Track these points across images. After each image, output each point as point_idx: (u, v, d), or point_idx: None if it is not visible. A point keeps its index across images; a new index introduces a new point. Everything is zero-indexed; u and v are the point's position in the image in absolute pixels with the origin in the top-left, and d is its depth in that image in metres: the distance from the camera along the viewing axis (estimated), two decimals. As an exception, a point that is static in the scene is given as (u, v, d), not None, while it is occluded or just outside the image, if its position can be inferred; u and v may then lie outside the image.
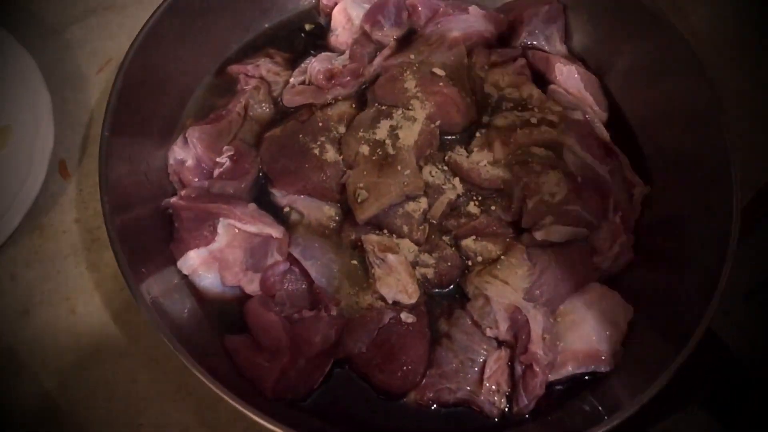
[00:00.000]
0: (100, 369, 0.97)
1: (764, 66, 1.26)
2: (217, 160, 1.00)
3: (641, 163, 1.10)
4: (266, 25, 1.16)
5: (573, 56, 1.17)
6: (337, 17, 1.14)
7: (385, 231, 0.96)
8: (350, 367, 0.92)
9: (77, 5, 1.23)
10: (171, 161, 1.02)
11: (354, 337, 0.91)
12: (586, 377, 0.94)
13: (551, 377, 0.92)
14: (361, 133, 0.98)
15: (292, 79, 1.08)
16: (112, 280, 1.02)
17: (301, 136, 1.00)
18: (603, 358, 0.93)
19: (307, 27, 1.17)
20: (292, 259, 0.95)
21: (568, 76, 1.11)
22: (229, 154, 1.00)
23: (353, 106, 1.06)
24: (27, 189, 1.01)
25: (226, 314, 0.95)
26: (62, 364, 0.97)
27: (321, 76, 1.06)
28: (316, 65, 1.07)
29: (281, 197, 1.00)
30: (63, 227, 1.06)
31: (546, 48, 1.15)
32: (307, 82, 1.08)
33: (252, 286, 0.95)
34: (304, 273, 0.95)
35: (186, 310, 0.95)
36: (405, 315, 0.92)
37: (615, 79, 1.15)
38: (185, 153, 1.01)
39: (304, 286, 0.95)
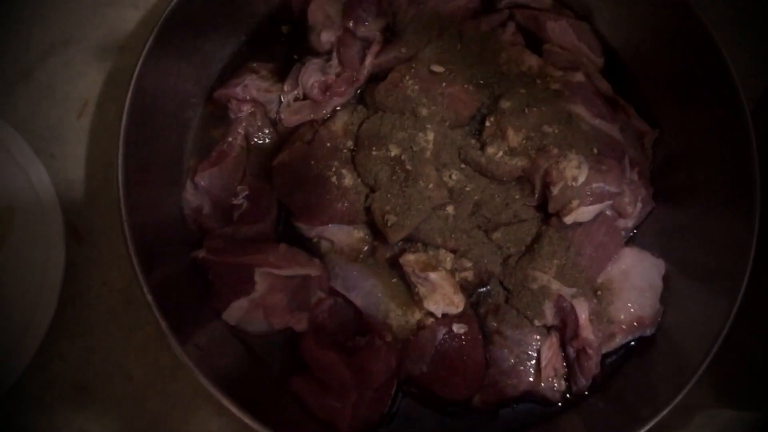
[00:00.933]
0: (172, 428, 1.00)
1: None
2: (234, 202, 0.99)
3: (644, 104, 1.10)
4: (243, 37, 1.10)
5: (559, 3, 1.13)
6: (315, 15, 1.08)
7: (419, 244, 0.97)
8: (414, 385, 0.96)
9: (36, 45, 1.15)
10: (187, 210, 1.00)
11: (413, 359, 0.94)
12: (632, 343, 0.99)
13: (602, 351, 0.97)
14: (374, 152, 0.96)
15: (285, 97, 1.04)
16: (159, 337, 1.02)
17: (312, 162, 0.98)
18: (647, 322, 0.97)
19: (285, 30, 1.11)
20: (334, 292, 0.97)
21: (561, 32, 1.09)
22: (245, 194, 0.99)
23: (354, 113, 1.03)
24: (52, 263, 0.99)
25: (281, 354, 0.97)
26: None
27: (316, 90, 1.02)
28: (308, 79, 1.03)
29: (308, 230, 1.00)
30: (93, 293, 1.04)
31: (532, 4, 1.11)
32: (301, 96, 1.04)
33: (301, 325, 0.96)
34: (350, 301, 0.96)
35: (238, 356, 0.97)
36: (456, 327, 0.94)
37: (603, 20, 1.14)
38: (199, 199, 1.00)
39: (352, 315, 0.97)
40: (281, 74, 1.08)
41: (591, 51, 1.10)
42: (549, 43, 1.09)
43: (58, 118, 1.12)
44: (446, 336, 0.94)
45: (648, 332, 0.98)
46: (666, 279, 1.01)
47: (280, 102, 1.05)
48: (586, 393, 0.97)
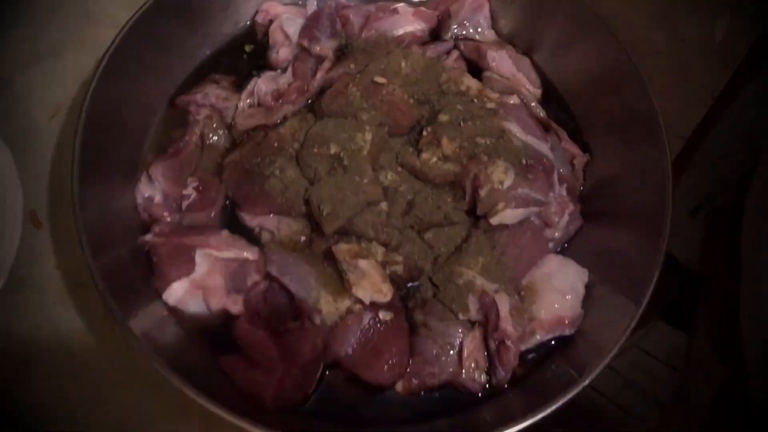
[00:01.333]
0: (108, 404, 1.03)
1: (678, 20, 1.34)
2: (184, 192, 1.06)
3: (577, 132, 1.19)
4: (208, 52, 1.20)
5: (502, 40, 1.23)
6: (275, 35, 1.19)
7: (353, 237, 1.03)
8: (340, 368, 1.00)
9: (18, 56, 1.25)
10: (139, 200, 1.07)
11: (339, 342, 0.98)
12: (553, 342, 1.03)
13: (522, 347, 1.01)
14: (316, 150, 1.04)
15: (240, 103, 1.13)
16: (102, 319, 1.07)
17: (259, 159, 1.06)
18: (567, 322, 1.02)
19: (247, 48, 1.21)
20: (270, 277, 1.02)
21: (500, 61, 1.18)
22: (194, 185, 1.06)
23: (303, 120, 1.11)
24: (6, 247, 1.05)
25: (216, 337, 1.01)
26: (68, 405, 1.03)
27: (269, 97, 1.11)
28: (262, 87, 1.12)
29: (250, 219, 1.06)
30: (45, 276, 1.10)
31: (476, 36, 1.22)
32: (256, 104, 1.13)
33: (237, 307, 1.01)
34: (284, 288, 1.01)
35: (177, 339, 1.01)
36: (383, 313, 0.99)
37: (543, 56, 1.24)
38: (151, 190, 1.06)
39: (285, 300, 1.02)
40: (240, 86, 1.17)
41: (529, 82, 1.19)
42: (489, 71, 1.18)
43: (32, 119, 1.20)
44: (372, 321, 0.99)
45: (567, 332, 1.02)
46: (589, 288, 1.06)
47: (237, 109, 1.14)
48: (506, 386, 1.00)
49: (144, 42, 1.10)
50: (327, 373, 1.00)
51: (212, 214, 1.06)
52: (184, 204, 1.06)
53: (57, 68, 1.24)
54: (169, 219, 1.06)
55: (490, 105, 1.11)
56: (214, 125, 1.11)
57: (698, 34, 1.33)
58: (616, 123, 1.15)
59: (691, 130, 1.25)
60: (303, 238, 1.05)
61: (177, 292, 1.01)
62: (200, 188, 1.06)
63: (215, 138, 1.11)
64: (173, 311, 1.02)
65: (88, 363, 1.05)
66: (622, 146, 1.13)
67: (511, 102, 1.12)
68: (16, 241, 1.06)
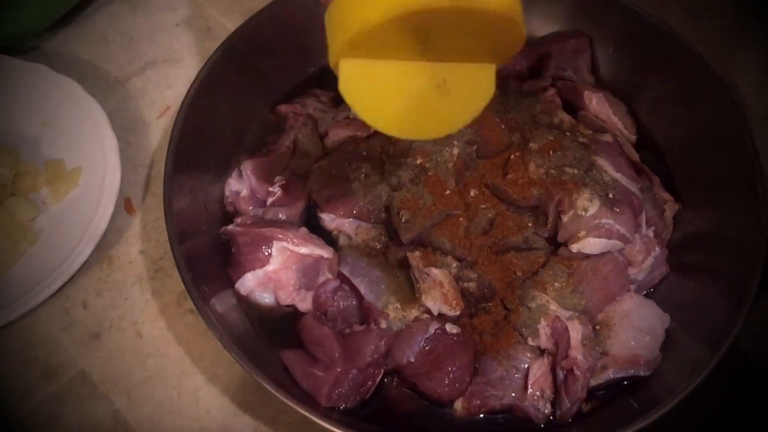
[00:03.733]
0: (166, 387, 1.04)
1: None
2: (270, 189, 1.08)
3: (671, 183, 1.15)
4: (312, 69, 1.25)
5: (601, 85, 1.23)
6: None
7: (429, 248, 1.02)
8: (399, 377, 0.98)
9: (136, 60, 1.34)
10: (227, 192, 1.10)
11: (402, 348, 0.96)
12: (625, 382, 0.98)
13: (593, 382, 0.96)
14: (402, 159, 1.05)
15: (337, 115, 1.16)
16: (176, 306, 1.09)
17: (346, 164, 1.08)
18: (642, 362, 0.97)
19: (351, 67, 1.25)
20: (342, 277, 1.02)
21: (597, 103, 1.17)
22: (281, 183, 1.08)
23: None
24: (96, 223, 1.10)
25: (282, 332, 1.02)
26: (131, 384, 1.04)
27: (364, 111, 1.14)
28: (359, 101, 1.15)
29: (329, 221, 1.07)
30: (129, 258, 1.14)
31: (574, 79, 1.22)
32: (351, 117, 1.16)
33: (305, 304, 1.02)
34: (354, 290, 1.01)
35: (244, 329, 1.02)
36: (450, 326, 0.97)
37: (643, 105, 1.21)
38: (240, 185, 1.10)
39: (354, 303, 1.02)
40: (339, 102, 1.20)
41: (625, 126, 1.18)
42: (584, 111, 1.18)
43: (141, 116, 1.27)
44: (438, 331, 0.96)
45: (642, 372, 0.97)
46: (670, 334, 1.01)
47: (332, 121, 1.17)
48: (570, 420, 0.95)
49: (247, 53, 1.16)
50: (386, 381, 0.98)
51: (294, 212, 1.08)
52: (269, 200, 1.08)
53: (171, 73, 1.31)
54: (252, 213, 1.08)
55: (582, 139, 1.10)
56: (308, 132, 1.14)
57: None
58: (714, 180, 1.11)
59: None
60: (379, 245, 1.05)
61: (250, 282, 1.02)
62: (286, 187, 1.08)
63: (308, 143, 1.13)
64: (243, 301, 1.03)
65: (155, 345, 1.07)
66: (719, 204, 1.09)
67: (604, 139, 1.11)
68: (106, 219, 1.10)
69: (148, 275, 1.13)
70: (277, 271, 1.02)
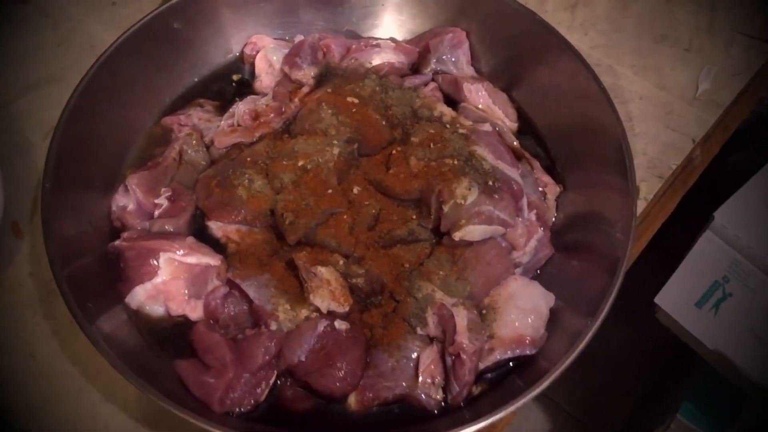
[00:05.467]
0: (64, 406, 1.03)
1: (654, 69, 1.37)
2: (156, 201, 1.08)
3: (552, 166, 1.19)
4: (196, 79, 1.25)
5: (481, 77, 1.26)
6: (260, 64, 1.24)
7: (317, 248, 1.04)
8: (293, 377, 0.99)
9: (18, 81, 1.32)
10: (114, 208, 1.10)
11: (293, 348, 0.97)
12: (512, 363, 1.01)
13: (481, 365, 0.99)
14: (285, 162, 1.07)
15: (221, 123, 1.17)
16: (69, 326, 1.08)
17: (231, 171, 1.09)
18: (528, 342, 1.00)
19: (235, 78, 1.26)
20: (231, 284, 1.03)
21: (476, 93, 1.21)
22: (167, 195, 1.08)
23: (278, 139, 1.14)
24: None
25: (175, 343, 1.02)
26: (26, 407, 1.03)
27: (247, 117, 1.15)
28: (242, 107, 1.16)
29: (217, 229, 1.08)
30: (19, 281, 1.12)
31: (455, 72, 1.25)
32: (235, 124, 1.17)
33: (196, 313, 1.02)
34: (244, 295, 1.01)
35: (136, 343, 1.01)
36: (338, 323, 0.98)
37: (523, 94, 1.25)
38: (126, 199, 1.09)
39: (245, 308, 1.02)
40: (224, 111, 1.21)
41: (505, 115, 1.21)
42: (465, 102, 1.21)
43: (26, 138, 1.26)
44: (327, 328, 0.98)
45: (528, 351, 1.00)
46: (556, 313, 1.04)
47: (217, 129, 1.18)
48: (461, 404, 0.97)
49: (128, 65, 1.16)
50: (280, 381, 0.99)
51: (181, 222, 1.08)
52: (156, 212, 1.08)
53: (56, 93, 1.30)
54: (140, 227, 1.08)
55: (462, 131, 1.13)
56: (194, 142, 1.14)
57: (682, 82, 1.35)
58: (590, 161, 1.15)
59: (671, 172, 1.25)
60: (267, 249, 1.06)
61: (139, 295, 1.02)
62: (172, 198, 1.08)
63: (193, 154, 1.14)
64: (134, 315, 1.03)
65: (50, 366, 1.06)
66: (595, 185, 1.14)
67: (483, 129, 1.14)
68: (-7, 244, 1.09)
69: (39, 297, 1.11)
70: (166, 282, 1.02)
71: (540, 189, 1.14)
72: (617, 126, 1.09)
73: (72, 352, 1.07)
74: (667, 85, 1.35)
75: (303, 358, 0.97)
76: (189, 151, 1.14)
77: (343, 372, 0.96)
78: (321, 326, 0.98)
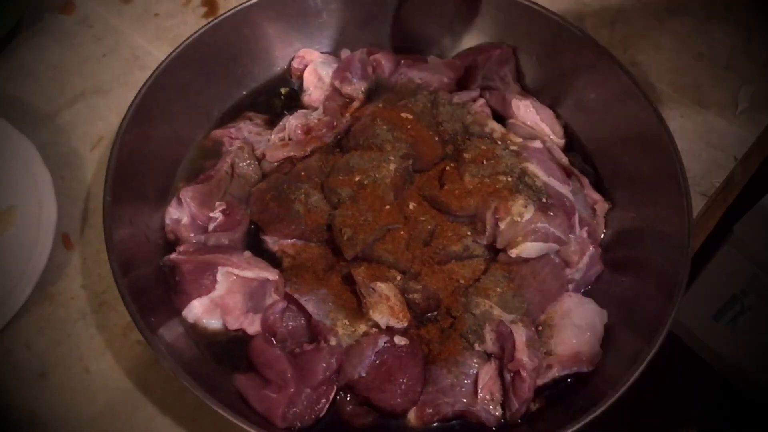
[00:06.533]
0: (118, 421, 1.03)
1: (694, 87, 1.38)
2: (211, 215, 1.09)
3: (600, 183, 1.20)
4: (244, 93, 1.26)
5: (527, 93, 1.27)
6: (309, 78, 1.24)
7: (373, 263, 1.04)
8: (352, 392, 0.99)
9: (65, 92, 1.33)
10: (168, 221, 1.10)
11: (353, 363, 0.97)
12: (569, 379, 1.02)
13: (539, 382, 0.99)
14: (341, 177, 1.07)
15: (272, 137, 1.18)
16: (122, 339, 1.08)
17: (285, 186, 1.09)
18: (584, 359, 1.00)
19: (283, 91, 1.27)
20: (289, 298, 1.03)
21: (524, 110, 1.21)
22: (221, 208, 1.09)
23: (330, 154, 1.15)
24: (35, 262, 1.08)
25: (232, 356, 1.02)
26: (80, 421, 1.03)
27: (299, 131, 1.15)
28: (293, 121, 1.17)
29: (273, 243, 1.08)
30: (71, 294, 1.12)
31: (501, 88, 1.26)
32: (286, 138, 1.17)
33: (254, 327, 1.02)
34: (302, 310, 1.02)
35: (194, 356, 1.02)
36: (398, 338, 0.99)
37: (568, 110, 1.26)
38: (180, 212, 1.10)
39: (302, 322, 1.02)
40: (273, 124, 1.22)
41: (552, 132, 1.22)
42: (513, 119, 1.22)
43: (74, 149, 1.26)
44: (387, 344, 0.98)
45: (585, 369, 1.00)
46: (609, 330, 1.05)
47: (268, 143, 1.18)
48: (520, 421, 0.98)
49: (178, 80, 1.17)
50: (339, 397, 0.99)
51: (236, 236, 1.08)
52: (210, 226, 1.08)
53: (102, 105, 1.31)
54: (194, 240, 1.09)
55: (513, 147, 1.13)
56: (245, 156, 1.15)
57: (722, 100, 1.36)
58: (639, 177, 1.16)
59: (713, 189, 1.26)
60: (323, 263, 1.07)
61: (196, 309, 1.03)
62: (227, 212, 1.09)
63: (245, 167, 1.14)
64: (191, 329, 1.03)
65: (104, 380, 1.06)
66: (645, 200, 1.14)
67: (534, 145, 1.15)
68: (45, 257, 1.09)
69: (91, 309, 1.11)
70: (224, 296, 1.02)
71: (590, 206, 1.15)
72: (669, 144, 1.09)
73: (125, 365, 1.07)
74: (707, 102, 1.36)
75: (363, 374, 0.97)
76: (241, 165, 1.15)
77: (403, 388, 0.97)
78: (381, 342, 0.98)
